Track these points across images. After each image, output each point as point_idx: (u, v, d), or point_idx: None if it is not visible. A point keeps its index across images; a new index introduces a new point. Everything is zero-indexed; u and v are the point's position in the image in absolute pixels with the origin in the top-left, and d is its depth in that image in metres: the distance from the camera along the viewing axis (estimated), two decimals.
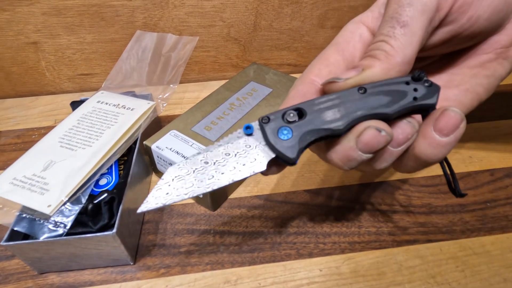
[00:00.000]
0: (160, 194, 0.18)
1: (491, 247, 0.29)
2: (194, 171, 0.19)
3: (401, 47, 0.18)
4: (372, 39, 0.21)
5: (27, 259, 0.26)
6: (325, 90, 0.20)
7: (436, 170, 0.36)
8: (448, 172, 0.21)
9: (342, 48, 0.21)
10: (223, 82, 0.50)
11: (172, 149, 0.32)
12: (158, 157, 0.33)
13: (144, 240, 0.30)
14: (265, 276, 0.28)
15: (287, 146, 0.19)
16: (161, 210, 0.33)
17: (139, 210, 0.18)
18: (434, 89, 0.19)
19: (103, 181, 0.31)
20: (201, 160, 0.19)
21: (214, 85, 0.49)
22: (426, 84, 0.19)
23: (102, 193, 0.29)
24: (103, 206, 0.27)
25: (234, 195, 0.34)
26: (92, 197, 0.29)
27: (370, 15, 0.22)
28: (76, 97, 0.48)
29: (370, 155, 0.18)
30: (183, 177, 0.19)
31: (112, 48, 0.45)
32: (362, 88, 0.18)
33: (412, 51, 0.18)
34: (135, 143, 0.33)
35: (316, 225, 0.31)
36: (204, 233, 0.31)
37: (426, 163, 0.19)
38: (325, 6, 0.45)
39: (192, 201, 0.34)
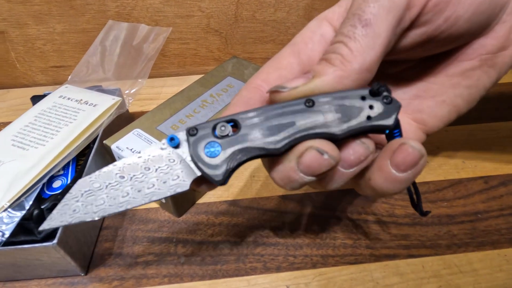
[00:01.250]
0: (67, 210, 0.16)
1: (479, 264, 0.26)
2: (107, 186, 0.16)
3: (361, 51, 0.15)
4: None
5: None
6: (270, 99, 0.17)
7: (421, 177, 0.33)
8: (412, 189, 0.18)
9: (299, 50, 0.18)
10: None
11: (133, 150, 0.29)
12: (118, 158, 0.30)
13: (100, 248, 0.28)
14: None
15: (214, 165, 0.16)
16: (122, 215, 0.30)
17: (40, 228, 0.15)
18: (393, 108, 0.16)
19: (57, 183, 0.29)
20: (116, 174, 0.16)
21: (195, 79, 0.46)
22: (385, 101, 0.16)
23: (53, 197, 0.26)
24: (46, 213, 0.24)
25: (202, 199, 0.32)
26: (42, 201, 0.26)
27: (337, 10, 0.19)
28: (50, 90, 0.46)
29: (313, 178, 0.15)
30: (94, 192, 0.16)
31: (84, 39, 0.43)
32: (310, 101, 0.16)
33: (374, 56, 0.15)
34: (94, 142, 0.31)
35: (287, 235, 0.29)
36: (166, 241, 0.29)
37: (383, 195, 0.16)
38: None
39: (156, 205, 0.31)
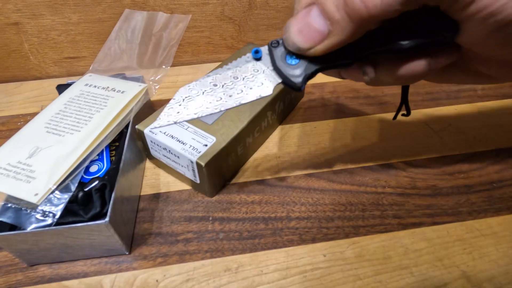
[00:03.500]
0: (172, 112, 0.19)
1: (498, 228, 0.28)
2: (203, 93, 0.19)
3: None
4: None
5: (15, 251, 0.25)
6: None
7: (438, 151, 0.35)
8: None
9: None
10: (217, 64, 0.48)
11: (166, 133, 0.30)
12: (151, 141, 0.31)
13: (139, 229, 0.29)
14: (267, 263, 0.27)
15: (293, 72, 0.19)
16: (156, 198, 0.31)
17: (151, 126, 0.19)
18: None
19: (93, 168, 0.29)
20: (210, 82, 0.20)
21: (209, 68, 0.47)
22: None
23: (93, 180, 0.27)
24: (94, 194, 0.25)
25: (232, 180, 0.33)
26: (82, 184, 0.27)
27: None
28: (63, 81, 0.46)
29: None
30: (193, 97, 0.20)
31: (99, 29, 0.43)
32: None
33: None
34: (126, 127, 0.31)
35: (318, 209, 0.30)
36: (202, 220, 0.30)
37: None
38: None
39: (188, 187, 0.32)
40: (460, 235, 0.28)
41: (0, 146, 0.29)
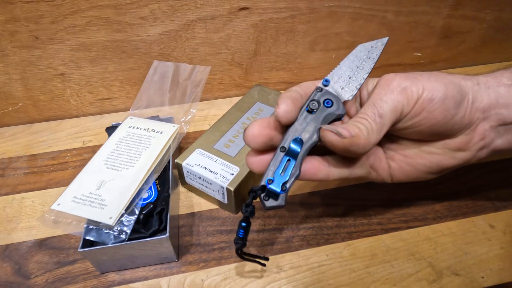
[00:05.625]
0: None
1: (455, 229, 0.38)
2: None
3: (376, 130, 0.25)
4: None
5: (95, 261, 0.33)
6: (322, 134, 0.27)
7: None
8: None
9: None
10: (227, 100, 0.57)
11: (200, 165, 0.39)
12: (188, 172, 0.39)
13: (182, 241, 0.37)
14: (284, 263, 0.35)
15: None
16: (192, 216, 0.40)
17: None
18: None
19: (145, 195, 0.37)
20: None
21: (220, 103, 0.56)
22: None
23: (148, 205, 0.35)
24: (155, 216, 0.33)
25: None
26: (140, 208, 0.35)
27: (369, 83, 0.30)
28: (97, 119, 0.54)
29: None
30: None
31: (131, 75, 0.51)
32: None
33: (381, 134, 0.26)
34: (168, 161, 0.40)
35: (320, 220, 0.39)
36: (231, 232, 0.38)
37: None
38: (315, 33, 0.53)
39: (216, 206, 0.41)
40: (427, 235, 0.37)
41: (55, 178, 0.36)
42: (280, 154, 0.27)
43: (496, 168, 0.44)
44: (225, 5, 0.47)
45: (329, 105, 0.26)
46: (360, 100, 0.31)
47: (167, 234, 0.32)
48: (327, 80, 0.27)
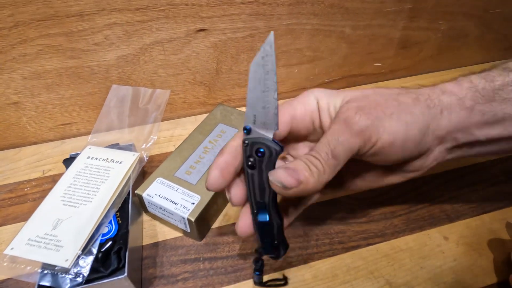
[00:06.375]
0: None
1: (412, 243, 0.39)
2: None
3: (328, 172, 0.25)
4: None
5: None
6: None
7: None
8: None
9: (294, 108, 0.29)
10: (192, 118, 0.57)
11: (160, 196, 0.38)
12: (149, 202, 0.39)
13: (146, 274, 0.37)
14: None
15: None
16: (156, 246, 0.39)
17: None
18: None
19: (104, 230, 0.37)
20: None
21: (185, 122, 0.56)
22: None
23: (108, 241, 0.35)
24: (112, 255, 0.33)
25: (215, 225, 0.41)
26: (99, 245, 0.34)
27: (323, 94, 0.29)
28: (58, 145, 0.53)
29: None
30: None
31: (90, 100, 0.50)
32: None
33: (333, 174, 0.26)
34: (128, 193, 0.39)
35: None
36: (195, 261, 0.38)
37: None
38: (276, 50, 0.53)
39: (181, 234, 0.41)
40: (385, 252, 0.38)
41: (13, 213, 0.35)
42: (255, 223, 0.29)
43: (452, 178, 0.46)
44: (181, 27, 0.46)
45: (262, 154, 0.26)
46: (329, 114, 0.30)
47: (125, 274, 0.31)
48: (246, 128, 0.26)
